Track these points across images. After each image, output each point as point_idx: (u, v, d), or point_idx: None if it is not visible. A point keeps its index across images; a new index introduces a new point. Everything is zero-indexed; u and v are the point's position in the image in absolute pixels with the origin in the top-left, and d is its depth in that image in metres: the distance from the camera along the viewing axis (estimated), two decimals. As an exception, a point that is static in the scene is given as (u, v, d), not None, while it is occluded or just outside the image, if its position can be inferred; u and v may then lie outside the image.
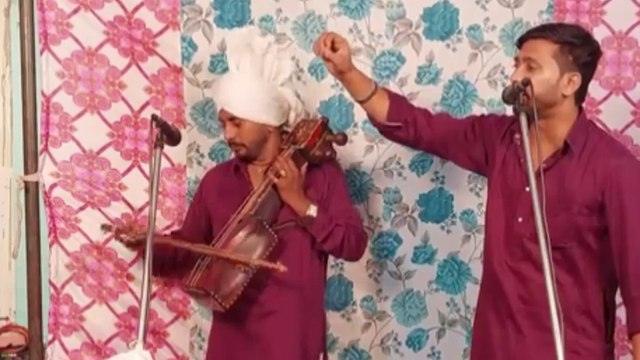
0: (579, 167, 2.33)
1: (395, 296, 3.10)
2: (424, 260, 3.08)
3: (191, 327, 3.09)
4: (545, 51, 2.30)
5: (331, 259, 2.90)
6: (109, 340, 3.07)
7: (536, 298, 2.29)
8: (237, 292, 2.61)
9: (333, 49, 2.54)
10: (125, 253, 2.99)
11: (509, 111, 2.52)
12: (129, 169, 3.04)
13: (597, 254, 2.35)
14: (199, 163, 3.05)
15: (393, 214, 3.06)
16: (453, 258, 3.08)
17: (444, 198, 3.06)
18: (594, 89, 2.77)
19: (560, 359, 1.91)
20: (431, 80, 2.98)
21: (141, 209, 3.04)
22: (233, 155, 2.86)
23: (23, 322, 3.31)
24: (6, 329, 3.81)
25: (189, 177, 3.05)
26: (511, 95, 2.23)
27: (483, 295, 2.54)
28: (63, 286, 3.05)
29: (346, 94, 2.85)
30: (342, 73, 2.59)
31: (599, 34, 2.80)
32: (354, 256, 2.82)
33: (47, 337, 3.08)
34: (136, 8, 2.94)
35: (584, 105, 2.43)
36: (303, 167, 2.77)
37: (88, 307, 3.06)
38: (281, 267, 2.57)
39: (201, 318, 3.08)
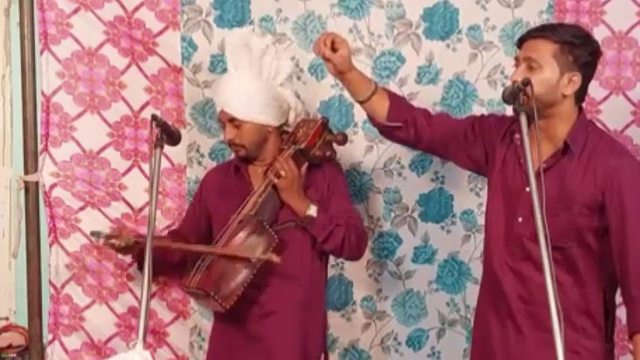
0: (579, 167, 2.33)
1: (395, 296, 3.10)
2: (424, 260, 3.08)
3: (191, 327, 3.09)
4: (545, 51, 2.30)
5: (331, 258, 2.90)
6: (109, 340, 3.07)
7: (536, 298, 2.29)
8: (238, 293, 2.61)
9: (333, 49, 2.54)
10: (125, 253, 3.00)
11: (509, 111, 2.52)
12: (129, 169, 3.04)
13: (597, 254, 2.35)
14: (199, 163, 3.05)
15: (393, 214, 3.06)
16: (453, 258, 3.09)
17: (444, 198, 3.06)
18: (594, 89, 2.77)
19: (560, 359, 1.92)
20: (431, 80, 2.98)
21: (141, 209, 3.04)
22: (233, 155, 2.86)
23: (23, 322, 3.31)
24: (6, 329, 3.81)
25: (189, 177, 3.05)
26: (511, 95, 2.23)
27: (483, 295, 2.55)
28: (63, 286, 3.05)
29: (346, 94, 2.85)
30: (342, 73, 2.59)
31: (599, 34, 2.80)
32: (355, 256, 2.82)
33: (47, 337, 3.08)
34: (136, 8, 2.94)
35: (584, 105, 2.43)
36: (304, 167, 2.77)
37: (88, 307, 3.06)
38: (274, 257, 2.58)
39: (201, 318, 3.08)
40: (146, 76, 2.99)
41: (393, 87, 2.91)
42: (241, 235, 2.65)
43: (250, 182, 2.80)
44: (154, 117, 2.36)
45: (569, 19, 2.86)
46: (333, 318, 3.06)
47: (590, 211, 2.32)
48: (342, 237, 2.70)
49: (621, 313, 2.40)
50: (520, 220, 2.38)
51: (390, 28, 2.96)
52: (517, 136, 2.38)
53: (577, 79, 2.32)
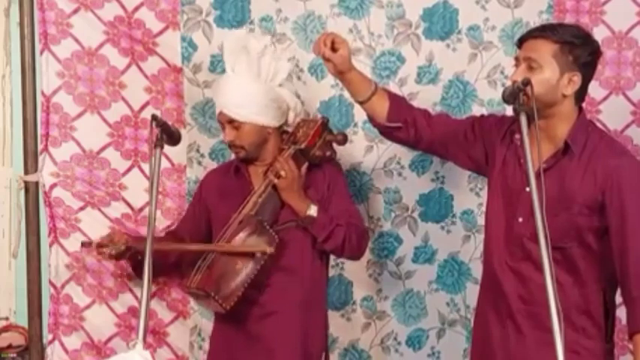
0: (579, 167, 2.33)
1: (395, 296, 3.10)
2: (424, 260, 3.08)
3: (191, 327, 3.09)
4: (545, 51, 2.30)
5: (332, 258, 2.90)
6: (109, 340, 3.07)
7: (536, 298, 2.29)
8: (238, 293, 2.61)
9: (333, 49, 2.54)
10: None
11: (509, 111, 2.52)
12: (129, 169, 3.04)
13: (597, 254, 2.35)
14: (199, 163, 3.05)
15: (393, 214, 3.06)
16: (453, 258, 3.09)
17: (444, 198, 3.06)
18: (594, 89, 2.77)
19: (560, 359, 1.92)
20: (431, 80, 2.98)
21: (141, 209, 3.04)
22: (233, 156, 2.86)
23: (23, 322, 3.31)
24: (6, 329, 3.81)
25: (189, 177, 3.05)
26: (511, 95, 2.23)
27: (483, 295, 2.55)
28: (63, 286, 3.05)
29: (346, 94, 2.85)
30: (342, 73, 2.59)
31: (599, 34, 2.80)
32: (356, 255, 2.83)
33: (47, 337, 3.08)
34: (136, 8, 2.94)
35: (584, 105, 2.43)
36: (304, 167, 2.77)
37: (88, 307, 3.06)
38: (267, 248, 2.59)
39: (200, 318, 3.08)
40: (146, 76, 2.99)
41: (393, 87, 2.91)
42: (242, 235, 2.65)
43: (250, 182, 2.80)
44: (153, 117, 2.36)
45: (569, 19, 2.86)
46: (333, 318, 3.05)
47: (590, 211, 2.32)
48: (342, 237, 2.70)
49: (621, 313, 2.40)
50: (520, 220, 2.38)
51: (390, 28, 2.96)
52: (517, 136, 2.38)
53: (577, 79, 2.32)
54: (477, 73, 2.97)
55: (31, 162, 3.00)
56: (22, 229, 3.03)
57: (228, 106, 2.72)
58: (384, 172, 3.03)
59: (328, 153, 2.81)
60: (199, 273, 2.68)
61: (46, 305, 3.06)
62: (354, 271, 3.07)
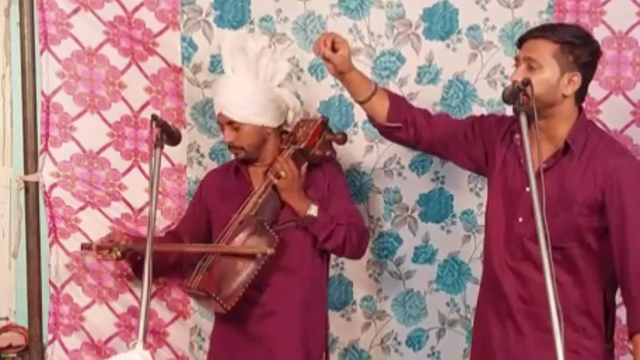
0: (579, 167, 2.33)
1: (395, 296, 3.10)
2: (424, 260, 3.08)
3: (191, 327, 3.09)
4: (545, 51, 2.30)
5: (332, 258, 2.90)
6: (109, 339, 3.07)
7: (536, 298, 2.29)
8: (239, 294, 2.61)
9: (333, 49, 2.54)
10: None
11: (509, 111, 2.52)
12: (129, 169, 3.04)
13: (597, 254, 2.35)
14: (199, 163, 3.05)
15: (393, 214, 3.06)
16: (453, 258, 3.09)
17: (444, 198, 3.06)
18: (594, 89, 2.77)
19: (560, 359, 1.92)
20: (431, 80, 2.98)
21: (141, 209, 3.04)
22: (233, 156, 2.86)
23: (23, 322, 3.31)
24: (6, 329, 3.81)
25: (190, 177, 3.05)
26: (511, 95, 2.23)
27: (483, 295, 2.55)
28: (63, 286, 3.05)
29: (346, 94, 2.85)
30: (342, 73, 2.59)
31: (599, 34, 2.80)
32: (357, 255, 2.83)
33: (47, 337, 3.08)
34: (136, 8, 2.94)
35: (584, 105, 2.43)
36: (303, 167, 2.77)
37: (88, 307, 3.06)
38: (268, 250, 2.58)
39: (201, 318, 3.08)
40: (146, 76, 2.99)
41: (393, 87, 2.91)
42: (242, 235, 2.65)
43: (250, 183, 2.80)
44: (154, 117, 2.36)
45: (569, 19, 2.86)
46: (333, 318, 3.05)
47: (590, 211, 2.32)
48: (343, 236, 2.70)
49: (621, 313, 2.40)
50: (520, 220, 2.38)
51: (390, 28, 2.96)
52: (517, 136, 2.38)
53: (577, 79, 2.32)
54: (476, 73, 2.97)
55: (31, 162, 3.00)
56: (22, 229, 3.03)
57: (227, 107, 2.72)
58: (384, 172, 3.03)
59: (328, 152, 2.81)
60: (200, 274, 2.68)
61: (46, 305, 3.06)
62: (354, 271, 3.07)
